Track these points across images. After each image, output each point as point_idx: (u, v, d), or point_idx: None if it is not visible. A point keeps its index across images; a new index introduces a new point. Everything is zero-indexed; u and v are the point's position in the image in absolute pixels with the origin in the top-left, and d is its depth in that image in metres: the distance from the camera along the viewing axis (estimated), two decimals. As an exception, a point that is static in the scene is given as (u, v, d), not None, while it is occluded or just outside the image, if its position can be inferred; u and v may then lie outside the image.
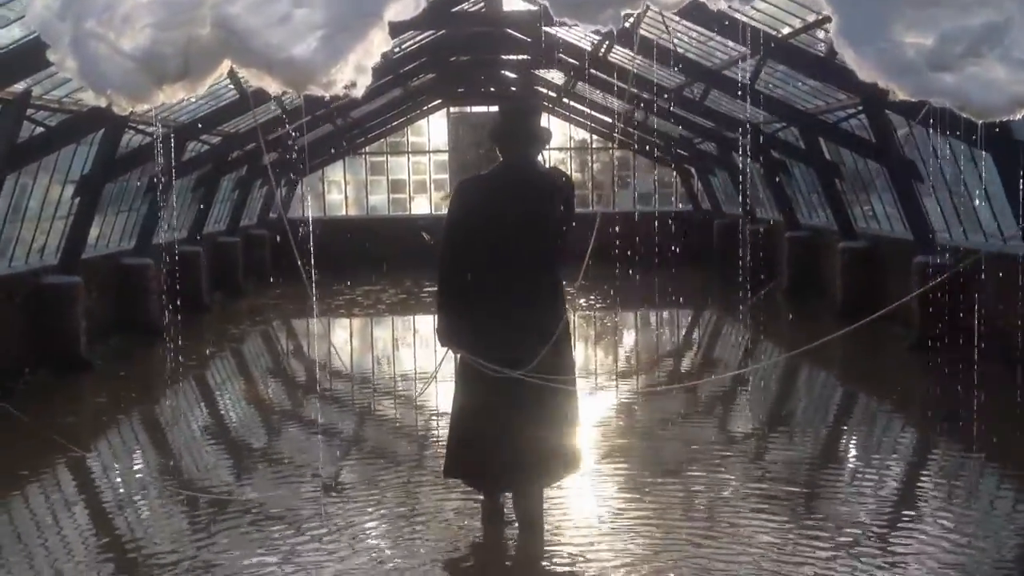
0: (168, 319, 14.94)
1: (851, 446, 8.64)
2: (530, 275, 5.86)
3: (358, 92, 4.42)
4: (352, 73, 4.25)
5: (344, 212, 26.10)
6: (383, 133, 25.42)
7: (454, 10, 13.60)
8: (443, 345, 5.97)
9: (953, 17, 4.20)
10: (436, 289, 6.08)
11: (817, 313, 15.71)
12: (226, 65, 3.78)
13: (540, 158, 6.27)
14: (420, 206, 26.11)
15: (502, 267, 5.81)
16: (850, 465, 7.88)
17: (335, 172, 25.99)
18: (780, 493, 6.83)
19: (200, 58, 3.77)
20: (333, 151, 23.82)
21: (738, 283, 20.23)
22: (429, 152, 26.23)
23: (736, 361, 13.05)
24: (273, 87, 4.25)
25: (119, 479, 7.67)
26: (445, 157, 25.93)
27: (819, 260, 17.52)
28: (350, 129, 21.77)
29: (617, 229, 21.48)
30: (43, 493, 7.29)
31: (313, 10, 4.11)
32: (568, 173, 6.34)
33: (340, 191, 26.19)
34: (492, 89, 23.40)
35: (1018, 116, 4.60)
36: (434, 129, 26.20)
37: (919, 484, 7.39)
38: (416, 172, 26.30)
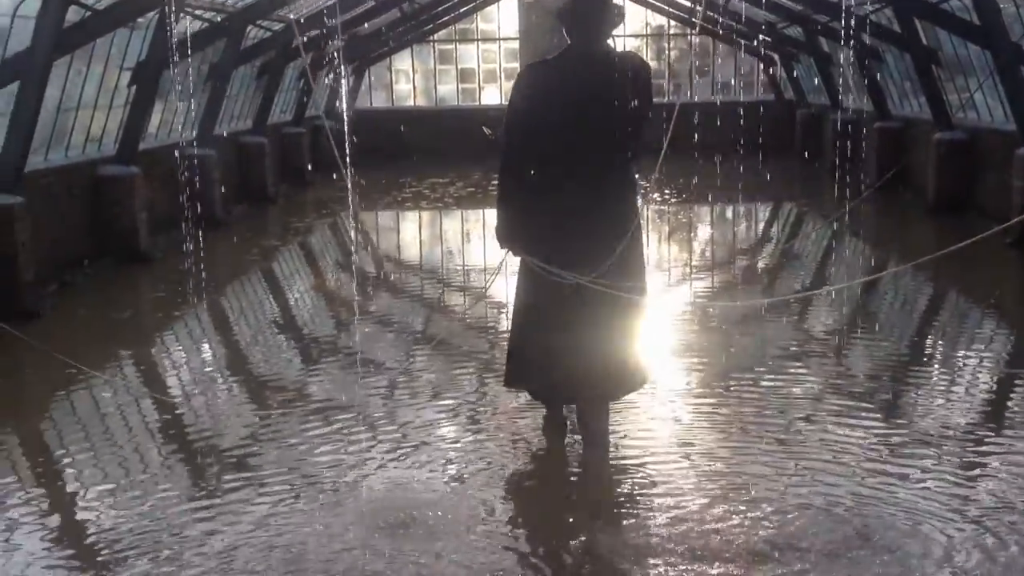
0: (233, 210, 14.71)
1: (942, 346, 8.07)
2: (600, 170, 5.29)
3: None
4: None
5: (412, 102, 25.51)
6: (452, 20, 24.60)
7: None
8: (503, 246, 5.46)
9: None
10: (497, 184, 5.53)
11: (908, 208, 14.87)
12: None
13: (612, 42, 5.62)
14: (490, 96, 25.36)
15: (569, 161, 5.25)
16: (939, 367, 7.33)
17: (402, 61, 25.32)
18: (867, 397, 6.39)
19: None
20: (396, 39, 23.14)
21: (822, 176, 19.39)
22: (499, 40, 25.37)
23: (825, 261, 12.29)
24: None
25: (175, 374, 7.44)
26: (516, 45, 25.03)
27: (911, 152, 16.54)
28: (417, 15, 21.02)
29: (695, 119, 20.62)
30: (108, 387, 7.07)
31: None
32: (644, 58, 5.65)
33: (408, 80, 25.55)
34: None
35: None
36: (504, 15, 25.27)
37: (1014, 387, 6.80)
38: (486, 61, 25.50)
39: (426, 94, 25.49)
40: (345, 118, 19.06)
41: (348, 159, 5.38)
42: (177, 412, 6.50)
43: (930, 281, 10.54)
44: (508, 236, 5.40)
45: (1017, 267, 10.83)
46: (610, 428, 5.48)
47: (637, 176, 5.51)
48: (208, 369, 7.55)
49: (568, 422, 5.67)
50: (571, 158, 5.24)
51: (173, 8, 9.60)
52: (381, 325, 8.62)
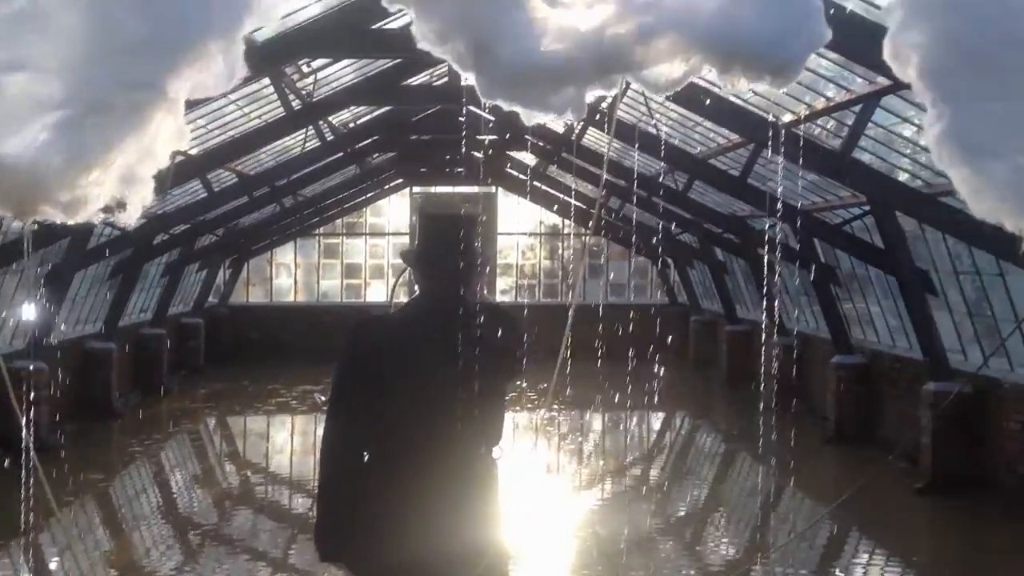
0: (65, 430, 12.95)
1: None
2: (455, 458, 4.00)
3: (130, 216, 2.66)
4: (116, 185, 2.52)
5: (292, 297, 24.22)
6: (339, 213, 23.69)
7: (405, 84, 11.97)
8: (323, 559, 4.07)
9: None
10: (319, 471, 4.15)
11: (808, 436, 13.90)
12: None
13: (477, 290, 4.42)
14: (376, 293, 24.26)
15: (414, 446, 3.97)
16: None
17: (284, 254, 24.18)
18: None
19: None
20: (279, 232, 22.08)
21: (716, 388, 18.54)
22: (388, 234, 24.52)
23: (728, 491, 11.17)
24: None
25: None
26: (406, 240, 24.20)
27: (808, 372, 15.77)
28: (300, 208, 20.00)
29: (585, 322, 19.78)
30: None
31: (43, 78, 2.44)
32: (515, 315, 4.45)
33: (289, 275, 24.33)
34: (460, 170, 21.75)
35: None
36: (395, 210, 24.54)
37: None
38: (373, 256, 24.54)
39: (308, 289, 24.26)
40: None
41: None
42: None
43: (832, 521, 9.65)
44: (331, 547, 4.03)
45: (925, 517, 9.92)
46: None
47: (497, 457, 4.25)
48: None
49: None
50: (416, 442, 3.96)
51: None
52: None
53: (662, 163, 12.19)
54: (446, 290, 4.08)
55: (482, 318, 4.10)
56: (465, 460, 4.00)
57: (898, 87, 7.45)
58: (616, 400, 15.71)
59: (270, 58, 8.69)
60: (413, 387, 3.94)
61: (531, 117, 3.27)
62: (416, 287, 4.19)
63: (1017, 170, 2.62)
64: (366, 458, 4.01)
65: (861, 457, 12.32)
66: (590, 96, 3.21)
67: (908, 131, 9.44)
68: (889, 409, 12.84)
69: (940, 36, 2.58)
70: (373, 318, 4.39)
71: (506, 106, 3.22)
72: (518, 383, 4.25)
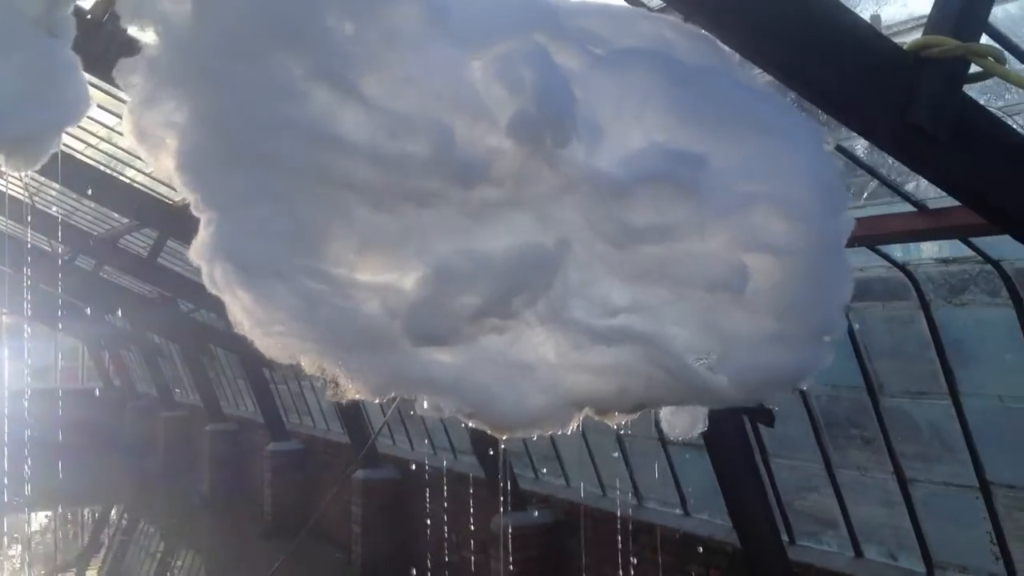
0: None
1: None
2: None
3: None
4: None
5: None
6: None
7: None
8: None
9: (462, 235, 1.97)
10: None
11: (243, 526, 13.08)
12: None
13: None
14: None
15: None
16: None
17: None
18: None
19: None
20: None
21: (153, 477, 17.07)
22: None
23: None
24: None
25: None
26: None
27: (248, 459, 14.94)
28: None
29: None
30: None
31: None
32: None
33: None
34: None
35: (570, 428, 2.48)
36: None
37: None
38: None
39: None
40: None
41: None
42: None
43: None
44: None
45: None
46: None
47: None
48: None
49: None
50: None
51: None
52: None
53: (58, 242, 10.82)
54: None
55: None
56: None
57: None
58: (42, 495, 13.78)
59: None
60: None
61: None
62: None
63: (305, 295, 1.99)
64: None
65: (303, 546, 11.66)
66: None
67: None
68: (323, 495, 12.39)
69: (197, 116, 1.86)
70: None
71: None
72: None
